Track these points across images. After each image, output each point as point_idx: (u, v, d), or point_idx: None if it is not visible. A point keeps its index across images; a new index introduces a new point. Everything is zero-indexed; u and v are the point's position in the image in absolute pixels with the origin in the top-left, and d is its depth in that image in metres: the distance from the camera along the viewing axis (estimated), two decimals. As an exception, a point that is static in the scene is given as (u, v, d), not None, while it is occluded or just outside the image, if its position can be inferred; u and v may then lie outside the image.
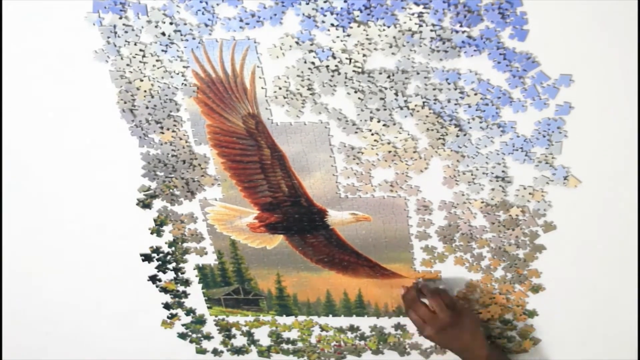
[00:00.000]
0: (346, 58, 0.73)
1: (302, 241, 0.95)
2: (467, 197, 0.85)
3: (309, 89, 0.76)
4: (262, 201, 0.90)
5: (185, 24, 0.72)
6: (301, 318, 1.08)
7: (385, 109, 0.77)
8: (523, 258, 0.91)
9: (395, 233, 0.92)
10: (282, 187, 0.88)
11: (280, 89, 0.77)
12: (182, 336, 1.14)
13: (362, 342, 1.09)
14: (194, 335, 1.14)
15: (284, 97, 0.77)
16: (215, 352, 1.15)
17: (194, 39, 0.73)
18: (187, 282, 1.04)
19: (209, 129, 0.83)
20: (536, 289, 0.95)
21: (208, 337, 1.14)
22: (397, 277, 0.98)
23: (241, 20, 0.71)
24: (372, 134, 0.80)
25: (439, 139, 0.79)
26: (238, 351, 1.14)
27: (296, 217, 0.92)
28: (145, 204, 0.93)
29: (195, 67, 0.76)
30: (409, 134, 0.79)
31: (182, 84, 0.78)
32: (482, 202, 0.85)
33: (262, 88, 0.77)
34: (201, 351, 1.16)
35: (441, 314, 0.90)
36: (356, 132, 0.80)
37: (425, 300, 0.92)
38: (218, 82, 0.78)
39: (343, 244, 0.94)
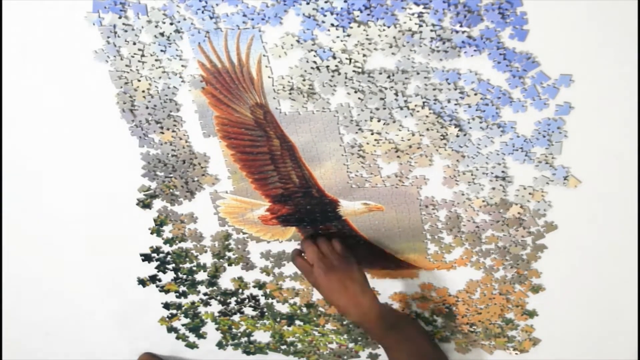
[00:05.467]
0: (346, 58, 0.73)
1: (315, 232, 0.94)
2: (467, 196, 0.85)
3: (310, 89, 0.76)
4: (273, 193, 0.90)
5: (185, 19, 0.72)
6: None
7: (385, 109, 0.77)
8: (525, 259, 0.91)
9: (409, 223, 0.90)
10: (292, 178, 0.87)
11: (284, 87, 0.77)
12: (182, 336, 1.14)
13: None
14: (194, 335, 1.14)
15: (288, 94, 0.77)
16: (220, 344, 1.16)
17: (199, 32, 0.73)
18: (186, 282, 1.04)
19: (217, 121, 0.82)
20: (536, 289, 0.95)
21: (205, 336, 1.14)
22: (412, 269, 0.97)
23: (244, 16, 0.71)
24: (373, 134, 0.79)
25: (439, 138, 0.79)
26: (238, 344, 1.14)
27: (308, 209, 0.91)
28: (145, 204, 0.93)
29: (201, 57, 0.75)
30: (409, 130, 0.79)
31: (191, 75, 0.77)
32: (483, 202, 0.85)
33: (269, 77, 0.76)
34: (191, 345, 1.16)
35: (331, 255, 0.87)
36: (357, 133, 0.80)
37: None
38: (224, 72, 0.77)
39: (356, 234, 0.94)
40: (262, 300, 1.06)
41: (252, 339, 1.13)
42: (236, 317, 1.10)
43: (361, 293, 0.86)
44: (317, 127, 0.81)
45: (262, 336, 1.13)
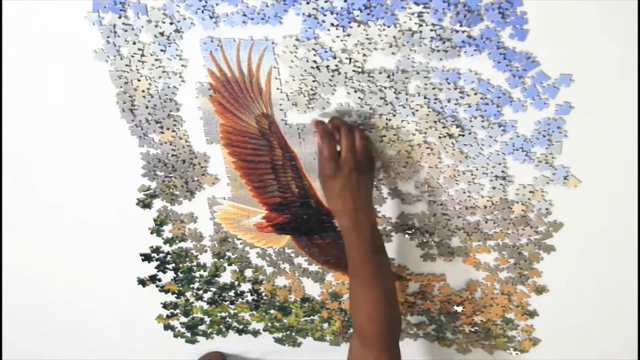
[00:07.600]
0: (346, 58, 0.73)
1: (309, 242, 0.95)
2: (468, 194, 0.85)
3: (312, 89, 0.76)
4: (271, 201, 0.90)
5: (185, 19, 0.72)
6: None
7: (387, 105, 0.77)
8: (528, 259, 0.91)
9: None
10: (292, 188, 0.88)
11: (287, 96, 0.77)
12: (179, 334, 1.14)
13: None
14: (191, 335, 1.14)
15: (287, 97, 0.77)
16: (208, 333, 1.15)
17: (212, 41, 0.73)
18: (186, 281, 1.04)
19: (222, 128, 0.82)
20: (540, 290, 0.95)
21: (206, 334, 1.14)
22: (400, 280, 0.98)
23: (244, 15, 0.71)
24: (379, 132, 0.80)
25: (440, 138, 0.79)
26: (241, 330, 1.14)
27: (305, 218, 0.91)
28: (145, 204, 0.93)
29: (211, 65, 0.76)
30: (410, 124, 0.79)
31: (199, 83, 0.77)
32: (488, 201, 0.84)
33: (277, 89, 0.77)
34: (191, 341, 1.16)
35: (362, 153, 0.76)
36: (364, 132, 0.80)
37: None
38: (233, 81, 0.77)
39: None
40: (258, 296, 1.06)
41: (244, 320, 1.12)
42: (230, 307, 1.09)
43: (363, 204, 0.77)
44: None
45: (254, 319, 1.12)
